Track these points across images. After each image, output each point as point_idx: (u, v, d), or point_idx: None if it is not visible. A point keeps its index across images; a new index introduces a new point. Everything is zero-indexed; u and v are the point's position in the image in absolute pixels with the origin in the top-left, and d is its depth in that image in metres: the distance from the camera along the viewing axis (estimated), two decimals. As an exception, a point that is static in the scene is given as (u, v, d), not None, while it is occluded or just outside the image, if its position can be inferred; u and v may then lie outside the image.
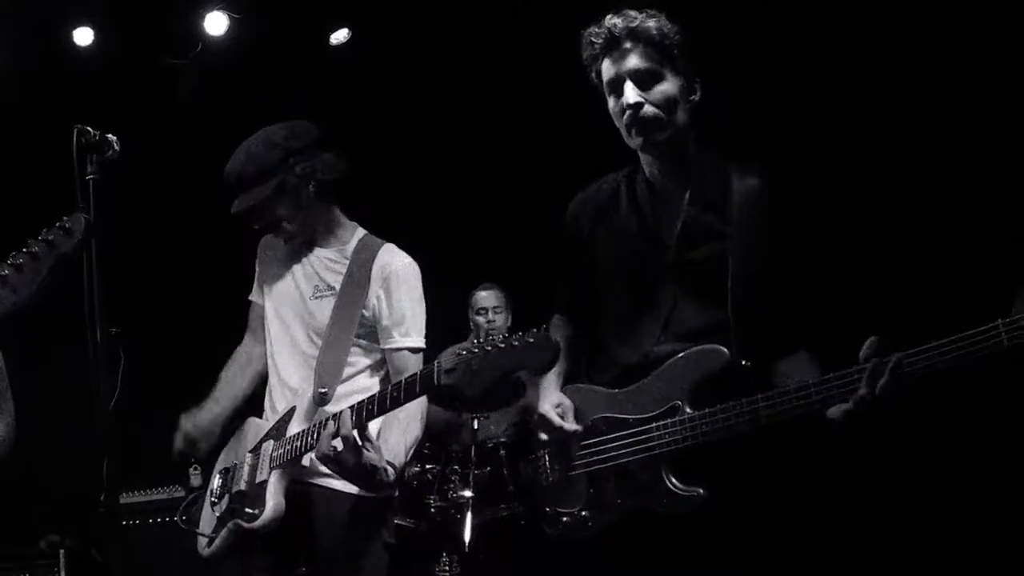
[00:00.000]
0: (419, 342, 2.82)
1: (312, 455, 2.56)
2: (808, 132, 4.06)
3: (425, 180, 5.54)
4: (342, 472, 2.53)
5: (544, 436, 2.43)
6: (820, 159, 3.97)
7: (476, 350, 2.15)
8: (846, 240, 3.75)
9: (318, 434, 2.51)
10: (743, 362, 2.21)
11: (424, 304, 2.86)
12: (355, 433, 2.43)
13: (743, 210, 2.29)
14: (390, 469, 2.55)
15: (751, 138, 3.64)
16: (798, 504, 2.28)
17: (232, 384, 3.03)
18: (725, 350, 2.21)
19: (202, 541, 2.79)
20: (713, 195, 2.34)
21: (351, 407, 2.48)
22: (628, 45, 2.29)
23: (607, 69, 2.33)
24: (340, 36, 5.58)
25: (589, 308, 2.52)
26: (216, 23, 5.30)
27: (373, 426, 2.58)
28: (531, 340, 2.10)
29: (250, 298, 3.12)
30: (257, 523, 2.59)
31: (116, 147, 2.34)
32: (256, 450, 2.75)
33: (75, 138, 2.29)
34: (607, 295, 2.46)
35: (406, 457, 2.66)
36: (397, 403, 2.39)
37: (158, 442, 4.84)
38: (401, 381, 2.39)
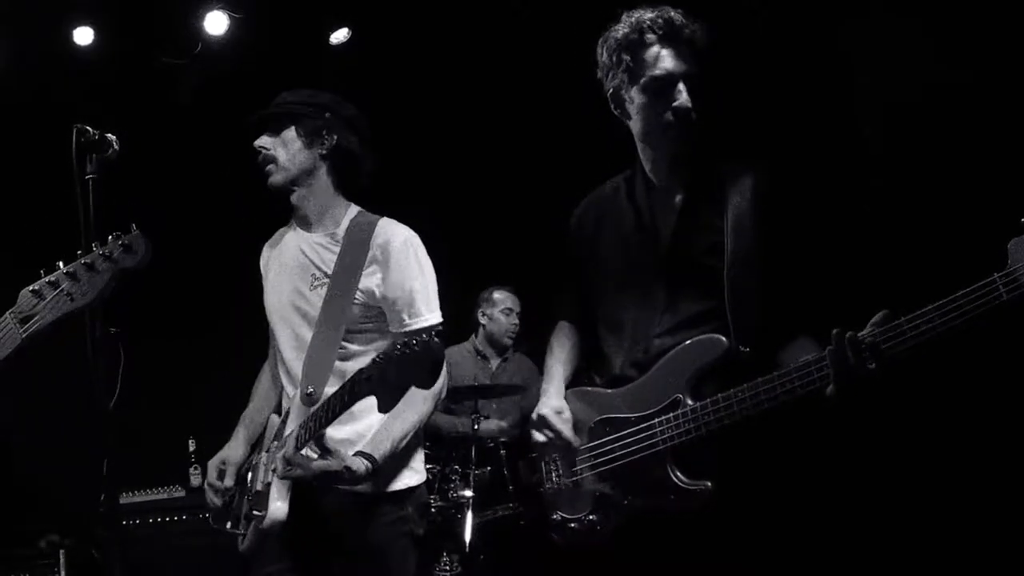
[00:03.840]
0: (432, 319, 2.70)
1: None
2: (802, 123, 4.07)
3: (425, 180, 5.55)
4: (306, 483, 2.56)
5: (541, 437, 2.42)
6: (813, 146, 3.98)
7: (380, 359, 2.23)
8: (841, 222, 3.75)
9: (304, 435, 2.54)
10: (742, 348, 2.20)
11: (433, 274, 2.75)
12: (294, 453, 2.49)
13: (737, 203, 2.30)
14: (358, 463, 2.51)
15: (747, 135, 3.64)
16: (806, 492, 2.27)
17: (264, 404, 2.99)
18: (723, 338, 2.20)
19: (239, 539, 2.79)
20: (708, 190, 2.34)
21: (301, 424, 2.53)
22: (686, 47, 2.28)
23: (662, 57, 2.28)
24: (340, 36, 5.58)
25: (592, 311, 2.52)
26: (216, 23, 5.30)
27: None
28: (412, 347, 2.16)
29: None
30: (262, 526, 2.60)
31: (116, 147, 2.34)
32: (269, 450, 2.75)
33: (75, 138, 2.29)
34: (606, 292, 2.47)
35: (393, 446, 2.60)
36: (336, 412, 2.42)
37: (158, 442, 4.88)
38: (338, 390, 2.41)
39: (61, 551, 4.48)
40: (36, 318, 2.12)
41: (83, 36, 5.19)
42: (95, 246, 2.15)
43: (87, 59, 5.22)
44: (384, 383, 2.23)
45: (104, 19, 5.19)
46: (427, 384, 2.26)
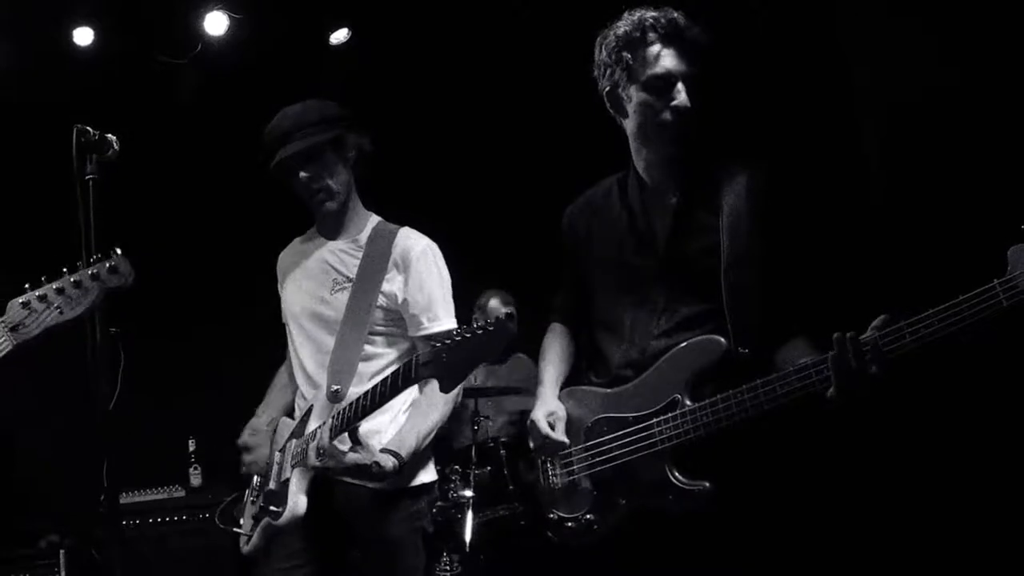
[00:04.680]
0: (449, 324, 2.78)
1: None
2: (800, 125, 4.07)
3: (425, 180, 5.55)
4: (336, 474, 2.59)
5: (532, 443, 2.43)
6: (811, 147, 3.97)
7: (448, 342, 2.23)
8: (838, 223, 3.75)
9: (340, 425, 2.55)
10: (740, 350, 2.20)
11: (449, 282, 2.83)
12: (330, 444, 2.51)
13: (733, 203, 2.30)
14: (386, 459, 2.55)
15: (744, 134, 3.64)
16: (805, 493, 2.27)
17: (284, 392, 3.01)
18: (722, 339, 2.21)
19: (243, 539, 2.83)
20: (703, 191, 2.34)
21: (335, 415, 2.54)
22: (687, 46, 2.28)
23: (663, 56, 2.28)
24: (340, 36, 5.58)
25: (587, 312, 2.53)
26: (216, 23, 5.30)
27: (396, 407, 2.68)
28: (491, 328, 2.19)
29: (284, 321, 3.04)
30: (280, 521, 2.63)
31: (116, 147, 2.35)
32: (283, 449, 2.78)
33: (75, 138, 2.30)
34: (602, 294, 2.47)
35: (418, 444, 2.66)
36: (385, 398, 2.43)
37: (158, 442, 4.88)
38: (387, 377, 2.42)
39: (61, 551, 4.48)
40: (26, 328, 2.23)
41: (83, 36, 5.18)
42: (80, 265, 2.24)
43: (87, 59, 5.21)
44: (446, 366, 2.25)
45: (104, 19, 5.18)
46: (497, 357, 2.35)
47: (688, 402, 2.21)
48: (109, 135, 2.35)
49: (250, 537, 2.77)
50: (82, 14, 5.16)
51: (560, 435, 2.38)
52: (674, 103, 2.27)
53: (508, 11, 5.08)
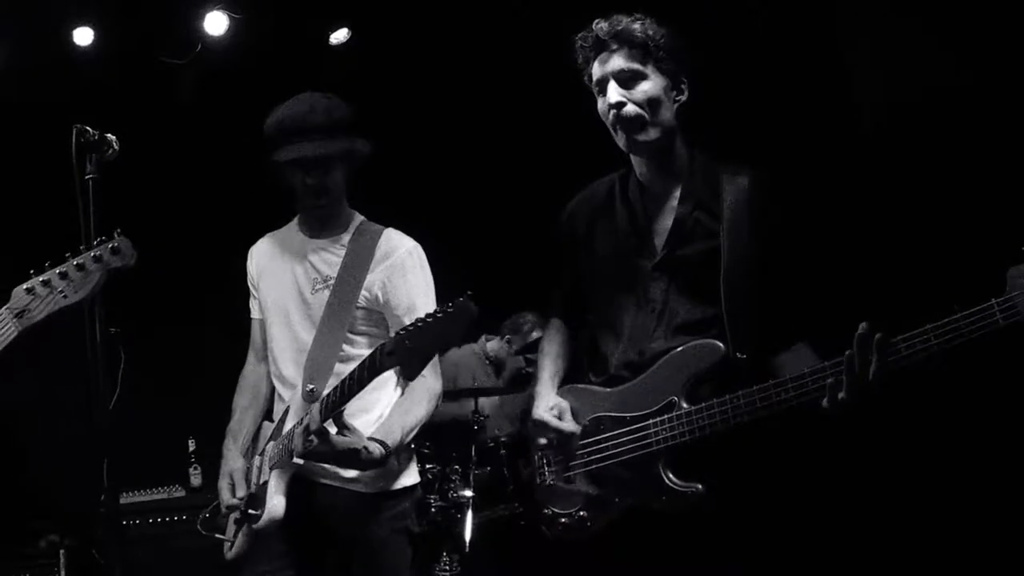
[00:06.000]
0: None
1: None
2: (801, 128, 4.07)
3: (425, 180, 5.56)
4: (324, 461, 2.57)
5: (542, 440, 2.43)
6: (812, 152, 3.98)
7: (410, 328, 2.22)
8: (840, 232, 3.75)
9: (322, 414, 2.50)
10: (738, 355, 2.21)
11: (432, 284, 2.82)
12: (324, 425, 2.45)
13: (733, 207, 2.30)
14: (374, 446, 2.52)
15: (743, 138, 3.65)
16: (797, 497, 2.28)
17: (246, 416, 2.95)
18: (720, 344, 2.21)
19: (226, 545, 2.81)
20: (704, 194, 2.35)
21: (320, 401, 2.49)
22: (613, 47, 2.33)
23: (595, 71, 2.37)
24: (340, 36, 5.58)
25: (585, 309, 2.53)
26: (216, 23, 5.30)
27: (381, 407, 2.68)
28: (451, 310, 2.18)
29: (252, 316, 3.04)
30: (258, 524, 2.61)
31: (115, 146, 2.36)
32: (263, 452, 2.77)
33: (75, 138, 2.30)
34: (602, 293, 2.47)
35: (403, 436, 2.62)
36: (354, 390, 2.39)
37: (158, 442, 4.88)
38: (354, 369, 2.40)
39: (61, 551, 4.48)
40: (31, 313, 2.22)
41: (83, 36, 5.19)
42: (82, 248, 2.24)
43: (87, 59, 5.22)
44: (409, 352, 2.23)
45: (104, 19, 5.19)
46: (457, 342, 2.29)
47: (685, 404, 2.22)
48: (109, 135, 2.35)
49: (232, 543, 2.76)
50: (82, 14, 5.17)
51: (570, 424, 2.39)
52: (607, 101, 2.33)
53: (508, 11, 5.08)
